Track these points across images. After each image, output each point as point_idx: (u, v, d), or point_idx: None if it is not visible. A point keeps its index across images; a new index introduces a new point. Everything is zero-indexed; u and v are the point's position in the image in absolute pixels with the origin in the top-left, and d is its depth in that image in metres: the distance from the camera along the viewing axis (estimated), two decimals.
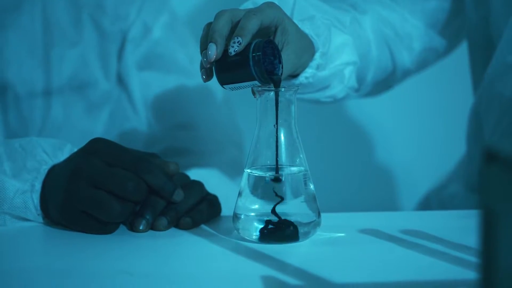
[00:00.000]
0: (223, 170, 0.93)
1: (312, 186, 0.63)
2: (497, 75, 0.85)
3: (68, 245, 0.62)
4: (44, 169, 0.66)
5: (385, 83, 0.97)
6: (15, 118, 0.91)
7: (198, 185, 0.69)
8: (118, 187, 0.61)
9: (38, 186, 0.65)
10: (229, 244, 0.62)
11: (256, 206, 0.62)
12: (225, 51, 0.61)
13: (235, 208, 0.63)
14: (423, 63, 0.98)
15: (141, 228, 0.64)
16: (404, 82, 1.03)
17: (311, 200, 0.63)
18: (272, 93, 0.62)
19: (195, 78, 0.92)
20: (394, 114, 1.43)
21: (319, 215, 0.63)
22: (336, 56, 0.77)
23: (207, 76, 0.63)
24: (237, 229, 0.63)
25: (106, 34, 0.93)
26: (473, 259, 0.57)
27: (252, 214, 0.62)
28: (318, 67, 0.73)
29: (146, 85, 0.95)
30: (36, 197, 0.65)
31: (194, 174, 0.72)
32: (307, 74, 0.73)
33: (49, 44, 0.91)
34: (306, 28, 0.72)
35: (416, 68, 0.98)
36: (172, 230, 0.66)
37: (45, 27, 0.91)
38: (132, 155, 0.63)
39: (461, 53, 0.99)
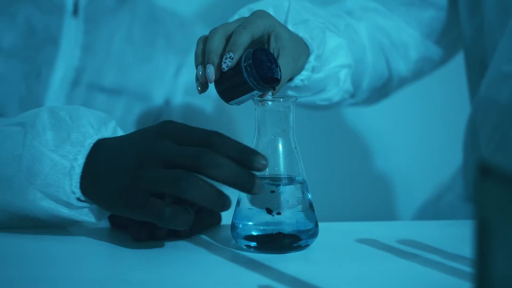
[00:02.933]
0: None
1: (309, 196, 0.64)
2: (493, 84, 0.86)
3: (65, 252, 0.62)
4: (89, 143, 0.61)
5: (381, 90, 0.97)
6: (79, 104, 0.95)
7: None
8: (194, 164, 0.57)
9: (81, 160, 0.60)
10: (227, 253, 0.62)
11: (254, 215, 0.62)
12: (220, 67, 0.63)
13: (233, 217, 0.64)
14: (419, 72, 0.99)
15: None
16: (402, 90, 1.04)
17: (309, 210, 0.63)
18: (270, 103, 0.63)
19: (226, 107, 1.00)
20: (392, 122, 1.44)
21: (316, 225, 0.64)
22: (331, 58, 0.78)
23: (202, 88, 0.65)
24: (235, 238, 0.63)
25: (170, 60, 1.03)
26: (469, 269, 0.57)
27: (250, 223, 0.62)
28: (313, 70, 0.75)
29: (186, 108, 1.03)
30: (76, 174, 0.60)
31: None
32: (302, 76, 0.74)
33: (125, 52, 0.99)
34: (300, 31, 0.73)
35: (412, 76, 0.99)
36: (171, 239, 0.66)
37: (127, 36, 1.00)
38: (203, 131, 0.59)
39: (460, 62, 0.99)
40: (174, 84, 1.03)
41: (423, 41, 0.96)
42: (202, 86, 0.64)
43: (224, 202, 0.57)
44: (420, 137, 1.44)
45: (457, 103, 1.17)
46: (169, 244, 0.65)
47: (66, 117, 0.62)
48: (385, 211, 1.44)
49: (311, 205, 0.64)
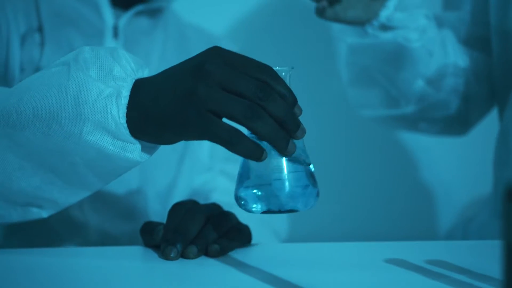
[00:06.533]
0: None
1: (311, 166, 0.63)
2: None
3: (97, 269, 0.63)
4: (131, 79, 0.61)
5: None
6: None
7: (228, 214, 0.71)
8: (255, 94, 0.56)
9: (125, 93, 0.59)
10: (258, 273, 0.63)
11: (256, 181, 0.61)
12: None
13: (235, 191, 0.63)
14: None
15: (172, 255, 0.66)
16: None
17: (309, 175, 0.62)
18: None
19: None
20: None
21: (317, 192, 0.62)
22: (411, 7, 0.92)
23: None
24: (240, 205, 0.62)
25: None
26: None
27: (254, 191, 0.61)
28: (395, 8, 0.90)
29: None
30: (122, 104, 0.59)
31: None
32: (387, 13, 0.90)
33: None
34: None
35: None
36: (202, 258, 0.67)
37: (161, 56, 1.01)
38: (257, 62, 0.58)
39: None
40: None
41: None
42: None
43: (288, 142, 0.57)
44: (461, 153, 1.41)
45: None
46: (200, 263, 0.66)
47: (107, 54, 0.61)
48: (425, 228, 1.42)
49: (312, 174, 0.62)
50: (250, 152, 0.57)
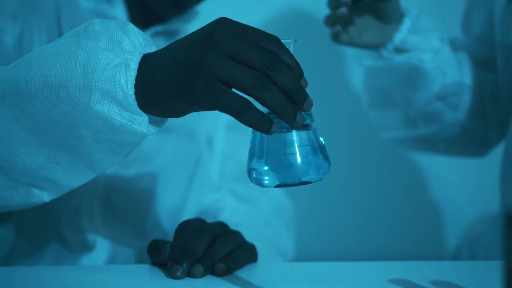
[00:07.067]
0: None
1: (321, 139, 0.62)
2: None
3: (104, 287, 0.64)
4: (140, 53, 0.60)
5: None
6: None
7: (235, 233, 0.72)
8: (264, 65, 0.56)
9: (134, 66, 0.59)
10: None
11: (266, 155, 0.60)
12: None
13: (247, 165, 0.62)
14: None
15: (178, 274, 0.66)
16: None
17: (321, 148, 0.61)
18: None
19: None
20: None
21: (328, 164, 0.61)
22: (426, 28, 0.95)
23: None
24: (252, 179, 0.61)
25: None
26: None
27: (266, 168, 0.60)
28: (409, 31, 0.93)
29: (229, 143, 1.04)
30: (130, 75, 0.59)
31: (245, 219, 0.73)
32: (401, 36, 0.93)
33: None
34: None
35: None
36: (208, 277, 0.67)
37: None
38: (264, 33, 0.58)
39: None
40: (217, 120, 1.04)
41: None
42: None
43: (296, 113, 0.56)
44: (469, 171, 1.40)
45: None
46: (206, 282, 0.66)
47: (116, 27, 0.61)
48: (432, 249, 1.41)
49: (323, 147, 0.62)
50: (259, 123, 0.56)
